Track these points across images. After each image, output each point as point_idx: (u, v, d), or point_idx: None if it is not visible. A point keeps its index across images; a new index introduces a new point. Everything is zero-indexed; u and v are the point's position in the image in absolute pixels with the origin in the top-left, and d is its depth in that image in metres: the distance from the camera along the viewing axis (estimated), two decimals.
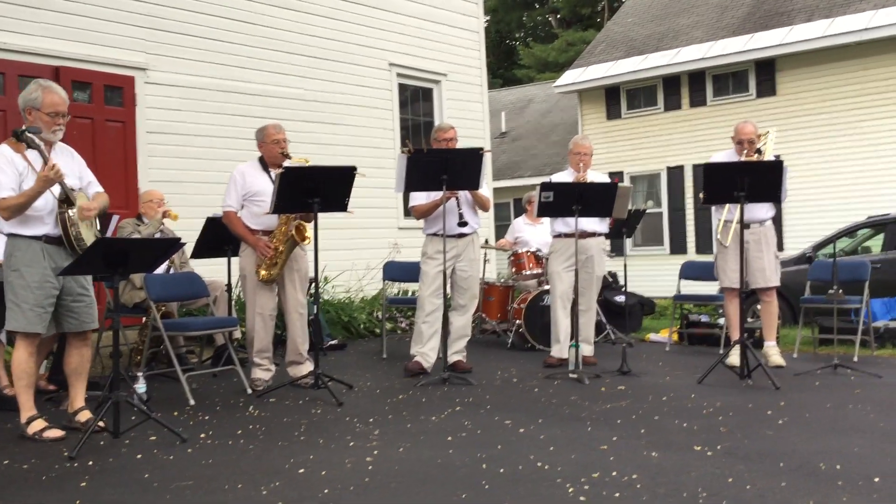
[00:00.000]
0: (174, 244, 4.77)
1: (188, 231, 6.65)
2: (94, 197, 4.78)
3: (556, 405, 5.33)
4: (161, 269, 6.43)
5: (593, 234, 7.03)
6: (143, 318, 6.51)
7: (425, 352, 6.47)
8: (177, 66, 8.61)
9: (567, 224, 6.87)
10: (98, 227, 4.84)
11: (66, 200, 4.49)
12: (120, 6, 8.20)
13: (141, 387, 5.39)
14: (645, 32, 17.60)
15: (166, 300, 6.26)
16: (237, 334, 6.93)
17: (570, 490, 3.46)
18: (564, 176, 7.11)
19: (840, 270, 6.88)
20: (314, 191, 5.52)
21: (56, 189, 4.44)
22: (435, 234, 6.48)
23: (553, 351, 7.05)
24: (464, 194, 6.45)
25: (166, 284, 6.09)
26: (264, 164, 6.02)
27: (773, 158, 6.62)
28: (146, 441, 4.45)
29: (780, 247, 11.31)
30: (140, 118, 8.29)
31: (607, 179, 7.14)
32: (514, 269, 8.55)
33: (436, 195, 6.36)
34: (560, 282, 6.99)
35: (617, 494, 3.40)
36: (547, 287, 7.59)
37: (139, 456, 4.16)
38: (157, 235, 6.51)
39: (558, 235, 7.07)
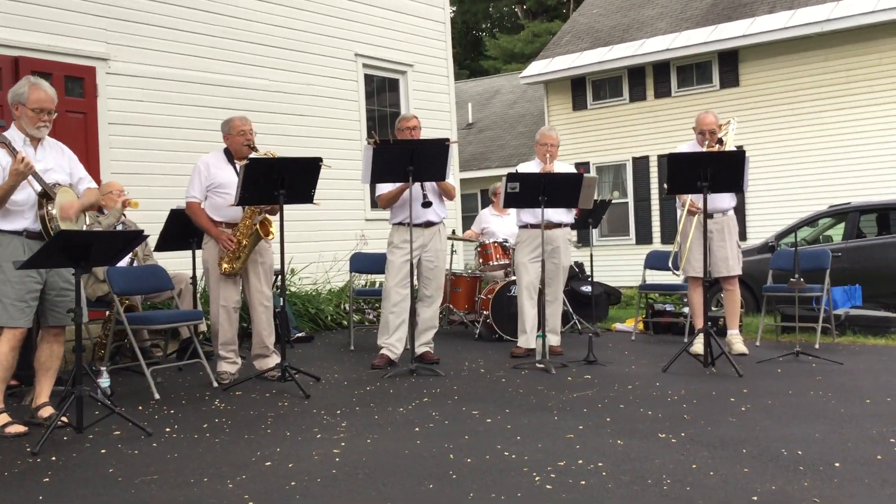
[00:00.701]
0: (137, 236, 4.72)
1: (152, 223, 6.58)
2: (83, 193, 4.79)
3: (522, 395, 5.36)
4: (124, 262, 6.36)
5: (559, 225, 7.06)
6: (107, 312, 6.43)
7: (392, 342, 6.46)
8: (139, 56, 8.49)
9: (533, 215, 6.89)
10: (88, 224, 4.85)
11: (45, 195, 4.47)
12: None
13: (104, 381, 5.33)
14: (610, 24, 17.69)
15: (130, 293, 6.18)
16: (202, 327, 6.88)
17: (537, 479, 3.48)
18: (531, 166, 7.13)
19: (801, 259, 6.98)
20: (279, 182, 5.49)
21: (37, 184, 4.43)
22: (401, 224, 6.47)
23: (520, 341, 7.08)
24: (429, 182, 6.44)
25: (129, 277, 6.01)
26: (229, 155, 5.98)
27: (734, 148, 6.69)
28: (110, 436, 4.41)
29: (743, 236, 11.49)
30: (102, 109, 8.17)
31: (574, 170, 7.18)
32: (481, 260, 8.57)
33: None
34: (526, 272, 7.02)
35: (583, 482, 3.43)
36: (514, 278, 7.62)
37: (103, 451, 4.11)
38: (119, 227, 6.42)
39: (524, 226, 7.09)
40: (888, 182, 13.07)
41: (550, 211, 6.69)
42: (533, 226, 6.95)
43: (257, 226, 5.78)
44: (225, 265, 5.84)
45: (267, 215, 5.85)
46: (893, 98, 13.42)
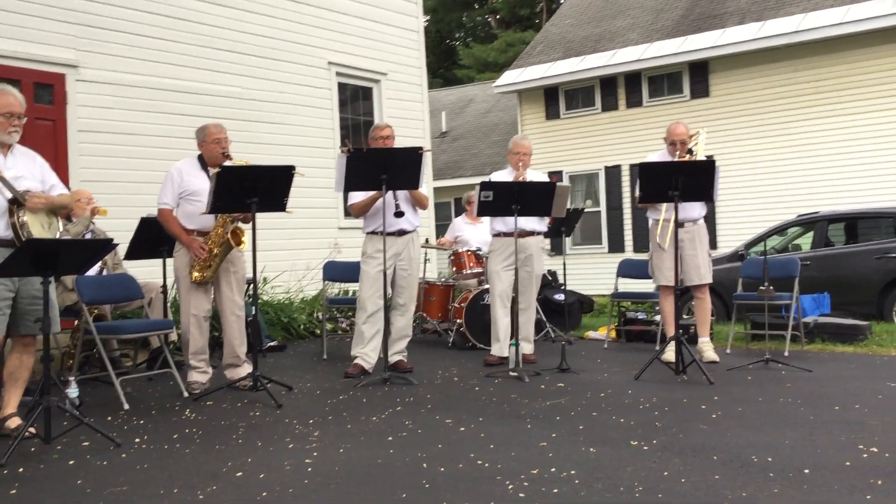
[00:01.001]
0: (106, 245, 4.67)
1: (121, 231, 6.53)
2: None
3: (496, 403, 5.36)
4: (93, 271, 6.28)
5: (532, 233, 7.08)
6: (75, 322, 6.35)
7: (366, 352, 6.44)
8: (109, 63, 8.42)
9: (506, 223, 6.91)
10: (63, 230, 4.79)
11: (15, 202, 4.41)
12: (49, 2, 7.99)
13: (73, 391, 5.25)
14: (582, 34, 17.82)
15: (99, 302, 6.12)
16: (173, 336, 6.82)
17: (510, 487, 3.48)
18: (504, 175, 7.15)
19: (771, 268, 7.05)
20: (252, 190, 5.46)
21: (8, 191, 4.38)
22: (374, 233, 6.45)
23: (493, 350, 7.09)
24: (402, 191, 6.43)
25: (99, 286, 5.95)
26: (203, 162, 5.93)
27: (704, 158, 6.76)
28: (79, 447, 4.35)
29: (714, 245, 11.58)
30: (71, 116, 8.09)
31: (546, 179, 7.21)
32: (454, 269, 8.58)
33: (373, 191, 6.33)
34: (500, 281, 7.03)
35: (556, 490, 3.43)
36: (487, 286, 7.62)
37: (71, 462, 4.06)
38: (88, 235, 6.35)
39: (498, 234, 7.11)
40: (856, 191, 13.26)
41: (523, 219, 6.71)
42: (506, 234, 6.96)
43: (229, 235, 5.74)
44: (196, 273, 5.79)
45: (239, 224, 5.81)
46: (861, 108, 13.63)
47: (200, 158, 5.95)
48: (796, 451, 4.00)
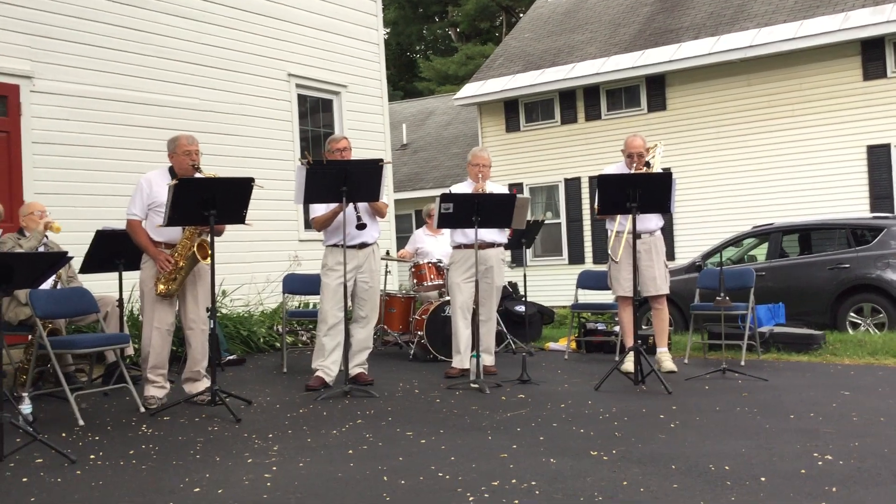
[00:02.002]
0: (60, 258, 4.60)
1: (77, 245, 6.43)
2: None
3: (457, 415, 5.36)
4: (48, 285, 6.18)
5: (492, 245, 7.11)
6: (29, 336, 6.23)
7: (327, 365, 6.40)
8: (65, 74, 8.31)
9: (466, 235, 6.93)
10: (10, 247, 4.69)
11: None
12: (3, 12, 7.86)
13: (26, 407, 5.15)
14: (541, 47, 17.98)
15: (53, 316, 6.00)
16: (129, 351, 6.72)
17: (471, 499, 3.48)
18: (464, 187, 7.17)
19: (727, 278, 7.16)
20: (210, 203, 5.41)
21: None
22: (335, 246, 6.43)
23: (454, 361, 7.09)
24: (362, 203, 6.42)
25: (53, 300, 5.84)
26: (174, 174, 5.85)
27: (661, 171, 6.85)
28: (32, 464, 4.26)
29: (671, 256, 11.74)
30: (25, 128, 7.96)
31: (506, 190, 7.24)
32: (415, 281, 8.57)
33: (334, 205, 6.31)
34: (460, 292, 7.05)
35: (516, 501, 3.44)
36: (448, 298, 7.63)
37: (25, 479, 3.97)
38: (41, 249, 6.25)
39: (458, 246, 7.12)
40: (809, 203, 13.52)
41: (483, 231, 6.73)
42: (466, 246, 6.98)
43: (195, 248, 5.68)
44: (161, 286, 5.72)
45: (206, 238, 5.75)
46: (814, 122, 13.94)
47: (171, 170, 5.88)
48: (752, 459, 4.06)
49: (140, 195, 5.81)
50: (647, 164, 6.82)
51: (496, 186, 7.31)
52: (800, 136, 14.05)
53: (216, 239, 5.65)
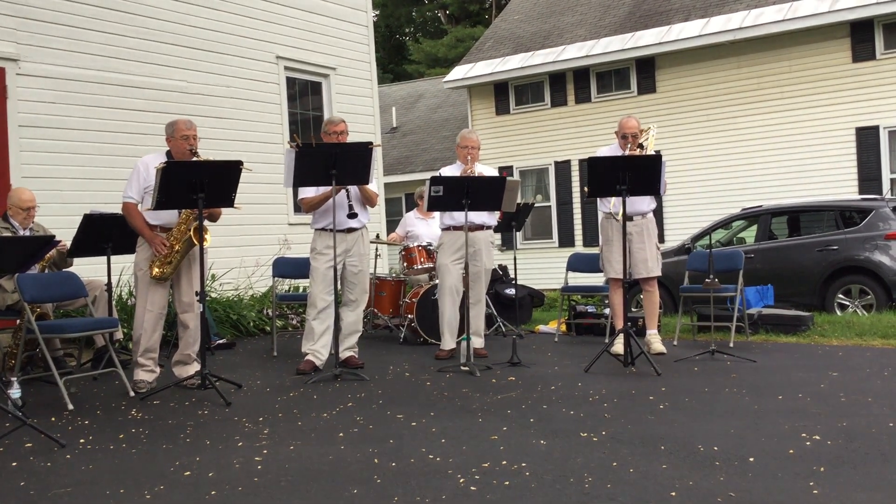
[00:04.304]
0: (47, 242, 4.56)
1: (64, 229, 6.38)
2: None
3: (447, 398, 5.37)
4: (35, 269, 6.14)
5: (481, 227, 7.10)
6: (17, 321, 6.20)
7: (317, 349, 6.40)
8: (51, 56, 8.23)
9: (454, 217, 6.93)
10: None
11: None
12: None
13: (15, 392, 5.11)
14: (531, 30, 17.91)
15: (41, 301, 5.97)
16: (118, 335, 6.69)
17: (462, 481, 3.49)
18: (453, 169, 7.15)
19: (716, 260, 7.18)
20: (198, 186, 5.38)
21: None
22: (324, 230, 6.41)
23: (442, 343, 7.10)
24: (353, 188, 6.40)
25: (40, 285, 5.81)
26: (171, 158, 5.82)
27: (653, 153, 6.85)
28: (21, 448, 4.25)
29: (661, 238, 11.75)
30: (11, 111, 7.88)
31: (496, 172, 7.23)
32: (405, 264, 8.56)
33: (326, 190, 6.29)
34: (448, 274, 7.04)
35: (507, 483, 3.45)
36: (438, 281, 7.62)
37: (14, 464, 3.96)
38: (26, 233, 6.19)
39: (447, 228, 7.11)
40: (797, 185, 13.57)
41: (473, 214, 6.72)
42: (455, 228, 6.97)
43: (191, 232, 5.65)
44: (156, 269, 5.71)
45: (206, 221, 5.71)
46: (802, 104, 13.95)
47: (168, 154, 5.85)
48: (741, 439, 4.08)
49: (136, 178, 5.78)
50: (641, 146, 6.82)
51: (486, 168, 7.30)
52: (789, 118, 14.06)
53: (211, 224, 5.62)
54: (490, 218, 7.16)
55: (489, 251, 7.23)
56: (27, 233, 6.30)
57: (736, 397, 5.18)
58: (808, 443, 3.98)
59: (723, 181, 14.52)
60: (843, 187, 13.32)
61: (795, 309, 8.83)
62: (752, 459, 3.71)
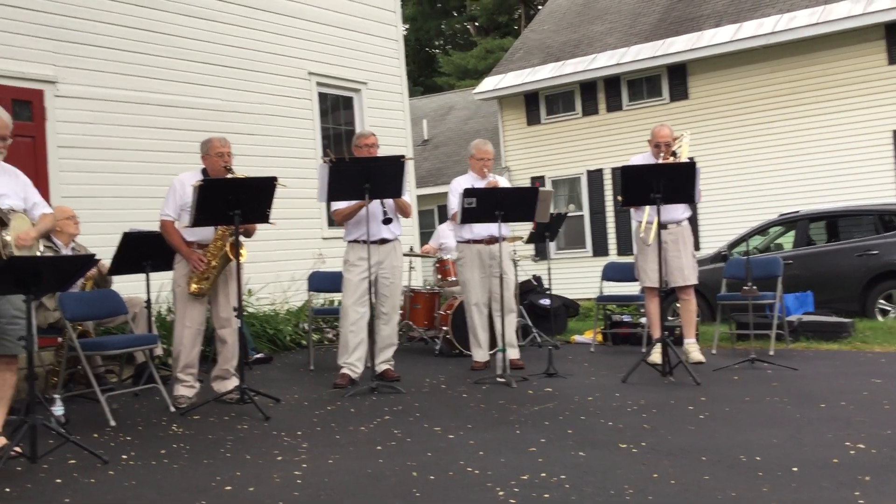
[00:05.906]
0: (88, 261, 4.64)
1: (105, 247, 6.48)
2: (39, 219, 4.73)
3: (484, 410, 5.36)
4: (76, 287, 6.24)
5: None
6: (59, 339, 6.30)
7: (352, 362, 6.42)
8: (88, 78, 8.38)
9: (472, 230, 6.92)
10: (42, 250, 4.75)
11: None
12: (26, 18, 7.94)
13: (58, 409, 5.21)
14: (561, 39, 17.89)
15: (82, 319, 6.07)
16: (158, 351, 6.77)
17: (501, 493, 3.48)
18: (467, 180, 7.04)
19: (754, 267, 7.10)
20: (234, 203, 5.44)
21: None
22: (356, 241, 6.45)
23: (475, 356, 7.09)
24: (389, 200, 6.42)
25: (82, 302, 5.91)
26: (206, 175, 5.89)
27: (687, 160, 6.79)
28: (65, 465, 4.31)
29: (697, 246, 11.63)
30: (50, 132, 8.03)
31: (507, 182, 7.19)
32: (439, 276, 8.57)
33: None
34: (473, 289, 7.02)
35: (546, 495, 3.43)
36: None
37: (58, 480, 4.02)
38: (68, 252, 6.30)
39: (465, 242, 7.07)
40: (835, 190, 13.36)
41: (493, 226, 6.68)
42: (474, 241, 6.97)
43: (227, 247, 5.72)
44: (193, 285, 5.79)
45: (241, 237, 5.77)
46: (838, 108, 13.76)
47: (204, 171, 5.93)
48: (784, 449, 4.02)
49: (173, 196, 5.87)
50: (674, 154, 6.77)
51: (501, 179, 7.27)
52: (824, 122, 13.88)
53: (246, 239, 5.68)
54: (506, 228, 7.11)
55: (509, 262, 7.20)
56: (69, 252, 6.41)
57: (777, 406, 5.11)
58: (852, 451, 3.92)
59: (758, 187, 14.35)
60: (880, 191, 13.10)
61: (836, 315, 8.70)
62: (795, 469, 3.66)
